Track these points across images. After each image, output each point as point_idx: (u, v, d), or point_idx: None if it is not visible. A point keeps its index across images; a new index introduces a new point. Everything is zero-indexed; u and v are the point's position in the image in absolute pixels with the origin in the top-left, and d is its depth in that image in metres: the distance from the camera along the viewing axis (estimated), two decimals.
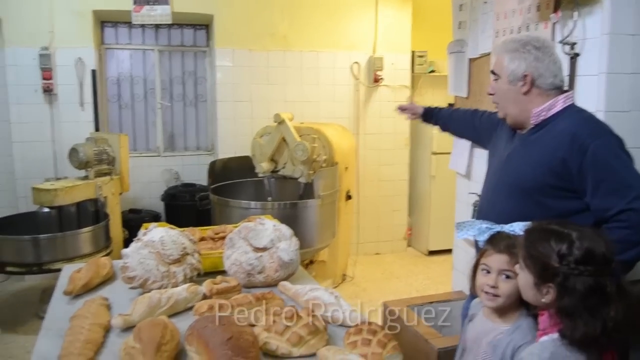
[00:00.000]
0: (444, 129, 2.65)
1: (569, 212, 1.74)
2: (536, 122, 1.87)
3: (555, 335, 1.31)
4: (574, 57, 2.57)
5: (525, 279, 1.38)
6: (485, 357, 1.58)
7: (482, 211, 2.04)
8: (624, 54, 2.46)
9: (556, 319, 1.32)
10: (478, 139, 2.46)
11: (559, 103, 1.84)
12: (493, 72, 1.95)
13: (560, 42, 2.61)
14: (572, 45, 2.56)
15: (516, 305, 1.53)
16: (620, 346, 1.35)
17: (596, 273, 1.27)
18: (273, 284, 2.08)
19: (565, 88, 1.96)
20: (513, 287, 1.51)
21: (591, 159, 1.69)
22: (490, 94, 1.99)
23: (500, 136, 2.09)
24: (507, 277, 1.53)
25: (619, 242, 1.57)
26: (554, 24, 2.63)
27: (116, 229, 4.42)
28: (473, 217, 2.59)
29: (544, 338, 1.34)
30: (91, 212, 4.28)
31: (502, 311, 1.58)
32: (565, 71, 2.61)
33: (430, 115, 2.65)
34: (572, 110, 1.86)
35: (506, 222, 1.77)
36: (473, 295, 2.05)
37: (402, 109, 2.78)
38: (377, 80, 5.52)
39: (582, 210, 1.75)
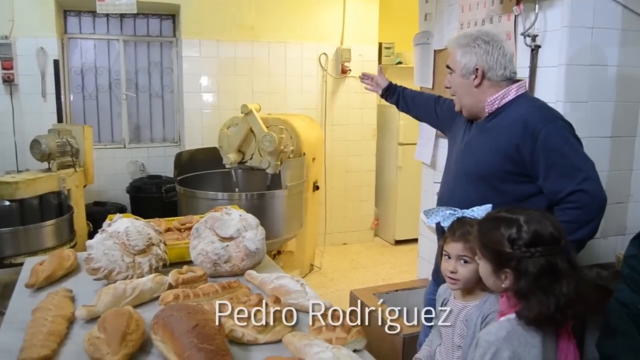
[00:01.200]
0: (403, 109, 2.59)
1: (524, 195, 1.82)
2: (490, 110, 1.93)
3: (513, 315, 1.35)
4: (535, 49, 2.63)
5: (484, 268, 1.43)
6: (461, 333, 1.64)
7: (443, 198, 2.09)
8: (582, 46, 2.53)
9: (514, 300, 1.37)
10: (437, 125, 2.50)
11: (511, 92, 1.91)
12: (448, 67, 2.01)
13: (522, 34, 2.66)
14: (534, 37, 2.62)
15: (481, 285, 1.58)
16: (576, 321, 1.40)
17: (546, 253, 1.32)
18: (239, 273, 2.09)
19: (518, 78, 2.03)
20: (470, 271, 1.58)
21: (542, 144, 1.76)
22: (447, 87, 2.05)
23: (458, 125, 2.14)
24: (465, 261, 1.59)
25: (571, 222, 1.69)
26: (516, 16, 2.69)
27: (80, 222, 4.34)
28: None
29: (503, 318, 1.38)
30: (54, 205, 4.19)
31: (468, 291, 1.64)
32: (527, 62, 2.68)
33: (392, 92, 2.57)
34: (524, 98, 1.93)
35: (467, 208, 1.81)
36: (435, 280, 2.11)
37: (365, 77, 2.67)
38: (344, 71, 5.54)
39: (536, 193, 1.83)
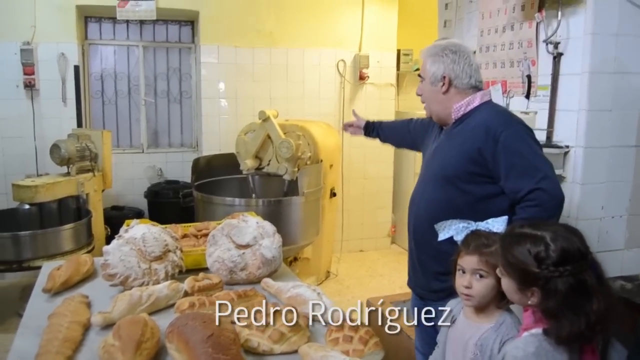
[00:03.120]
0: (384, 140, 2.70)
1: (488, 195, 1.93)
2: (456, 117, 2.03)
3: (539, 330, 1.31)
4: (557, 57, 2.60)
5: (508, 285, 1.38)
6: (474, 358, 1.57)
7: (414, 201, 2.17)
8: (606, 53, 2.49)
9: (539, 315, 1.33)
10: (413, 144, 2.52)
11: (476, 100, 2.01)
12: (420, 75, 2.13)
13: (544, 41, 2.63)
14: (556, 44, 2.58)
15: (497, 301, 1.53)
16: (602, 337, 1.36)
17: (575, 271, 1.27)
18: (255, 281, 2.07)
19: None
20: (486, 286, 1.52)
21: (502, 146, 1.86)
22: (419, 95, 2.15)
23: (430, 136, 2.25)
24: (481, 276, 1.53)
25: (530, 220, 1.72)
26: (538, 23, 2.66)
27: (98, 226, 4.37)
28: None
29: (528, 333, 1.34)
30: (73, 209, 4.22)
31: (482, 309, 1.57)
32: (549, 70, 2.64)
33: (371, 129, 2.70)
34: (488, 105, 2.03)
35: (434, 209, 1.97)
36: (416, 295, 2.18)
37: (347, 125, 2.80)
38: (362, 78, 5.52)
39: (498, 194, 1.92)
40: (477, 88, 2.04)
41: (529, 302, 1.34)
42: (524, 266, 1.31)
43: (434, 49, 2.05)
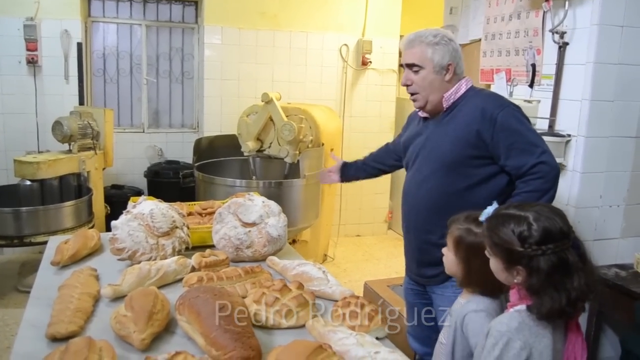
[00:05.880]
0: (366, 174, 2.70)
1: (488, 176, 1.99)
2: (447, 105, 2.06)
3: (523, 307, 1.37)
4: (563, 46, 2.62)
5: (495, 264, 1.43)
6: (444, 329, 1.71)
7: (411, 193, 2.16)
8: (612, 44, 2.51)
9: (524, 293, 1.38)
10: (398, 159, 2.47)
11: (462, 87, 2.06)
12: (413, 65, 2.05)
13: (550, 31, 2.65)
14: (562, 34, 2.60)
15: (482, 283, 1.58)
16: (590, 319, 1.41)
17: (557, 249, 1.32)
18: (261, 259, 2.11)
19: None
20: (448, 260, 1.66)
21: (500, 126, 1.92)
22: (407, 85, 2.10)
23: (411, 131, 2.26)
24: (448, 249, 1.66)
25: (534, 192, 1.88)
26: (545, 12, 2.67)
27: (99, 204, 4.39)
28: None
29: (513, 309, 1.39)
30: (74, 187, 4.24)
31: (469, 289, 1.64)
32: (554, 59, 2.67)
33: (347, 169, 2.70)
34: (474, 90, 2.09)
35: (437, 197, 2.02)
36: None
37: (324, 174, 2.80)
38: (365, 63, 5.52)
39: (498, 173, 1.99)
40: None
41: (515, 281, 1.39)
42: (509, 245, 1.36)
43: (432, 38, 2.02)
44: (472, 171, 1.99)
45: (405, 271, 2.32)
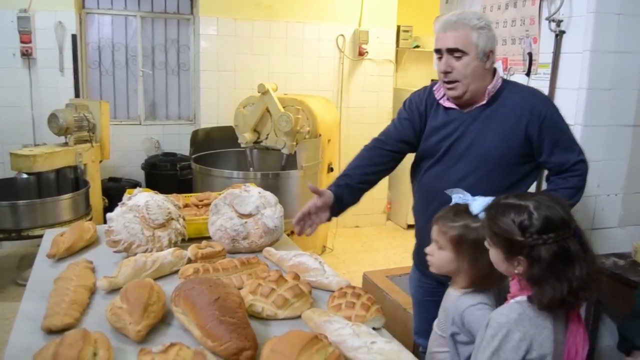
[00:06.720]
0: (367, 187, 2.34)
1: (526, 174, 1.97)
2: (489, 96, 1.93)
3: (524, 297, 1.35)
4: (559, 35, 2.60)
5: (495, 255, 1.41)
6: (439, 320, 1.69)
7: (440, 189, 1.84)
8: (608, 32, 2.50)
9: (525, 283, 1.37)
10: (391, 159, 2.35)
11: (499, 78, 1.97)
12: (455, 50, 1.87)
13: (547, 19, 2.63)
14: (559, 22, 2.59)
15: (474, 276, 1.56)
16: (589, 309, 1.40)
17: (558, 238, 1.30)
18: (257, 250, 2.11)
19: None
20: (442, 258, 1.58)
21: (548, 123, 1.90)
22: (448, 72, 1.89)
23: (433, 120, 2.05)
24: (440, 247, 1.59)
25: (572, 188, 1.91)
26: (541, 1, 2.66)
27: (96, 197, 4.38)
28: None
29: (514, 300, 1.38)
30: (70, 180, 4.23)
31: (460, 283, 1.61)
32: (550, 48, 2.65)
33: (340, 193, 2.16)
34: (509, 83, 2.02)
35: (478, 194, 1.70)
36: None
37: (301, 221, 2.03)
38: (361, 53, 5.51)
39: (534, 169, 1.99)
40: None
41: (516, 271, 1.37)
42: (509, 235, 1.34)
43: (477, 22, 1.85)
44: (516, 169, 1.94)
45: (414, 268, 2.27)
